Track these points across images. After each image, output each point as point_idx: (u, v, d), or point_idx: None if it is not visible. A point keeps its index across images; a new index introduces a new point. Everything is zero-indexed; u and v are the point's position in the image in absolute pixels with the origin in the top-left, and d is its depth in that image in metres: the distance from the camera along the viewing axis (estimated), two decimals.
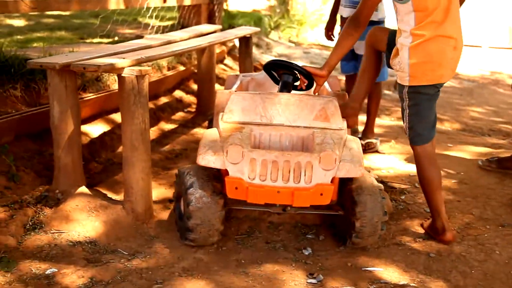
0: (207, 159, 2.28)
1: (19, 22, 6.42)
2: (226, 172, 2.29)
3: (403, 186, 3.41)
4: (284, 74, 2.65)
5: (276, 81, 2.79)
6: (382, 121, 5.35)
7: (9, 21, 6.31)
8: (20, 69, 3.29)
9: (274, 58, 2.71)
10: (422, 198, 3.20)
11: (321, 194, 2.24)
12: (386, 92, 6.78)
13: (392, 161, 3.94)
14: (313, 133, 2.42)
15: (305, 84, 2.67)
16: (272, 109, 2.51)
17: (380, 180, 3.46)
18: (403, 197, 3.26)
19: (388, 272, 2.43)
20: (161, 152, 3.88)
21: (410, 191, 3.34)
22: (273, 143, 2.44)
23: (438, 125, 5.35)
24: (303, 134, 2.45)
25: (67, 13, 7.00)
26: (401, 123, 5.25)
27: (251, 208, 2.56)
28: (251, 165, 2.24)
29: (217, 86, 5.17)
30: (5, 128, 2.94)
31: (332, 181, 2.30)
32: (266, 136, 2.44)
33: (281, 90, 2.66)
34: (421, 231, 2.81)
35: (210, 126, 3.17)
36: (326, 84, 3.21)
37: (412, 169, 3.75)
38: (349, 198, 2.46)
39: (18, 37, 5.23)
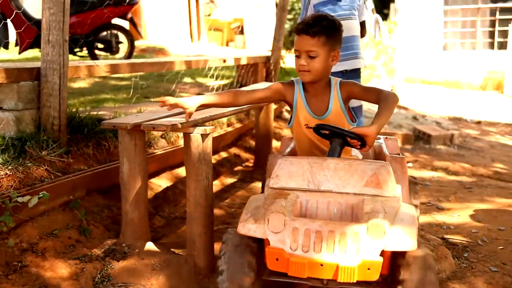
0: (248, 227, 2.11)
1: (88, 83, 6.77)
2: (268, 242, 2.10)
3: (465, 243, 3.26)
4: (332, 140, 2.47)
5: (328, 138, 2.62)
6: (440, 177, 5.20)
7: (79, 83, 6.66)
8: (92, 128, 3.44)
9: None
10: (487, 256, 3.06)
11: (369, 269, 1.99)
12: (442, 147, 6.63)
13: (453, 217, 3.80)
14: (363, 201, 2.20)
15: (359, 144, 2.43)
16: (320, 174, 2.32)
17: (442, 236, 3.34)
18: (466, 254, 3.10)
19: None
20: (221, 207, 3.90)
21: (473, 248, 3.18)
22: (321, 210, 2.24)
23: (498, 180, 5.16)
24: (352, 201, 2.23)
25: (135, 74, 7.35)
26: (460, 178, 5.12)
27: (289, 280, 2.23)
28: (293, 235, 2.05)
29: (274, 142, 5.21)
30: (78, 184, 3.05)
31: (381, 254, 2.04)
32: (313, 203, 2.25)
33: (329, 155, 2.46)
34: None
35: (263, 190, 2.93)
36: (383, 146, 3.06)
37: (474, 225, 3.61)
38: (396, 275, 2.11)
39: (89, 97, 5.50)
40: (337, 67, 3.73)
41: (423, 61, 13.62)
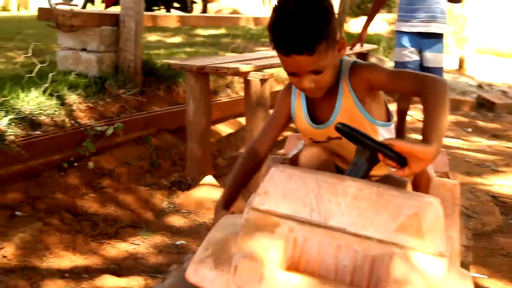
0: (202, 274, 1.23)
1: (167, 39, 7.01)
2: None
3: None
4: (358, 151, 1.45)
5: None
6: (500, 144, 5.05)
7: (157, 38, 6.92)
8: (164, 74, 3.65)
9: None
10: None
11: None
12: (506, 115, 6.37)
13: (506, 179, 3.72)
14: (392, 255, 1.36)
15: (398, 166, 1.39)
16: (331, 201, 1.35)
17: (492, 195, 3.30)
18: None
19: (492, 280, 2.32)
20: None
21: None
22: (324, 258, 1.30)
23: None
24: (374, 252, 1.36)
25: (206, 33, 7.54)
26: None
27: None
28: None
29: None
30: (150, 122, 3.27)
31: None
32: (313, 244, 1.29)
33: (350, 174, 1.43)
34: None
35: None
36: None
37: None
38: None
39: (164, 51, 5.73)
40: (411, 28, 3.45)
41: (496, 31, 12.89)
